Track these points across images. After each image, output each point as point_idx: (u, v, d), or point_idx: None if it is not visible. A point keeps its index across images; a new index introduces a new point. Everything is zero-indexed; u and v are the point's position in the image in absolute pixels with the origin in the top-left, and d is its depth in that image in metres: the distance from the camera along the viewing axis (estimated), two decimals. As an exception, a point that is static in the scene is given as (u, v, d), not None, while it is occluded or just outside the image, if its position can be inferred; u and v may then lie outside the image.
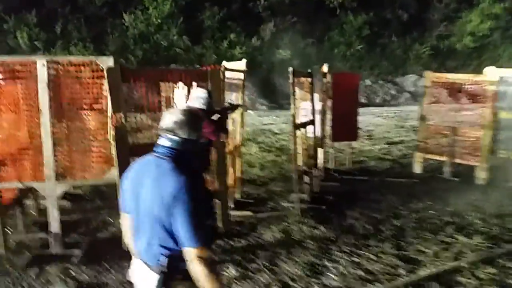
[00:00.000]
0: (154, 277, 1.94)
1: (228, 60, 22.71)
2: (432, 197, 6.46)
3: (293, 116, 5.61)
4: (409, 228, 5.23)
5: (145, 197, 1.94)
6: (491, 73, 7.15)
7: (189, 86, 5.03)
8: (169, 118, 1.97)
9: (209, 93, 4.26)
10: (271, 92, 21.67)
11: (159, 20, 21.89)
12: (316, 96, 7.16)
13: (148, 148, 4.90)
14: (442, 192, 6.71)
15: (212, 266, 1.88)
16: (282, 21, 24.07)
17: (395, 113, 17.90)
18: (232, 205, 5.86)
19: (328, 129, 7.49)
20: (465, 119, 7.39)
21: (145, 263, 2.00)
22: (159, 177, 1.90)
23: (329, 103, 7.39)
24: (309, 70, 6.61)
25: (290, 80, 5.53)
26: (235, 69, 5.88)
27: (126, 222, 2.18)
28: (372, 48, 24.49)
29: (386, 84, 23.77)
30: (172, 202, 1.84)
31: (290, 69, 5.55)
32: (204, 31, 22.57)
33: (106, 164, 4.54)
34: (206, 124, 3.71)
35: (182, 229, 1.84)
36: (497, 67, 8.07)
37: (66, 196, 6.23)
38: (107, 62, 4.38)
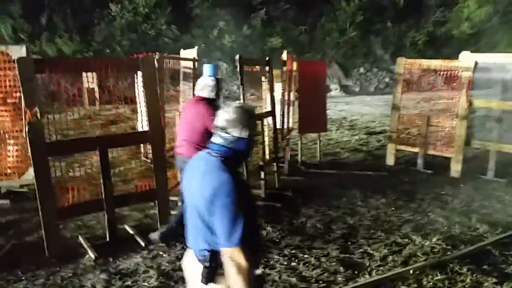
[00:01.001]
0: (199, 269, 1.99)
1: (217, 49, 22.29)
2: (398, 191, 6.05)
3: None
4: (363, 227, 4.83)
5: (193, 192, 1.97)
6: (466, 58, 6.68)
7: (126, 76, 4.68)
8: (223, 115, 1.96)
9: (218, 81, 4.03)
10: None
11: (146, 10, 21.42)
12: (279, 85, 6.75)
13: (70, 145, 4.61)
14: (410, 186, 6.31)
15: (242, 270, 1.81)
16: (274, 8, 23.50)
17: (386, 101, 17.37)
18: (179, 203, 5.52)
19: (294, 120, 7.08)
20: (439, 107, 6.95)
21: (194, 254, 2.06)
22: (205, 173, 1.92)
23: (292, 92, 6.99)
24: (267, 58, 6.17)
25: (238, 69, 5.11)
26: (177, 56, 5.45)
27: None
28: (366, 35, 23.87)
29: (381, 72, 23.19)
30: (211, 198, 1.83)
31: (237, 56, 5.12)
32: (193, 19, 22.08)
33: (24, 164, 4.18)
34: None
35: (217, 227, 1.85)
36: (496, 53, 7.63)
37: (8, 194, 5.94)
38: (18, 51, 4.00)
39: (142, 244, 4.46)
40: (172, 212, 4.83)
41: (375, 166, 7.41)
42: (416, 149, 7.18)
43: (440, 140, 6.89)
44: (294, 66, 7.03)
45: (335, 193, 6.01)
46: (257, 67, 6.06)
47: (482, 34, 24.13)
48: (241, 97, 5.18)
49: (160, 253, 4.25)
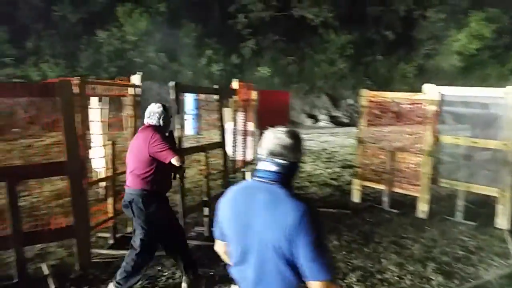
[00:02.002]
0: None
1: (206, 77, 22.11)
2: (356, 232, 5.56)
3: (179, 137, 4.76)
4: (304, 275, 4.32)
5: (258, 226, 1.81)
6: (431, 91, 6.31)
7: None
8: (274, 141, 1.87)
9: (165, 107, 3.83)
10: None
11: (135, 37, 21.37)
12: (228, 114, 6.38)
13: None
14: (370, 227, 5.81)
15: None
16: (263, 39, 23.54)
17: (382, 133, 17.04)
18: (111, 241, 5.04)
19: (250, 151, 6.66)
20: (404, 143, 6.53)
21: None
22: (276, 204, 1.79)
23: (251, 123, 6.62)
24: (215, 86, 5.80)
25: (172, 96, 4.70)
26: (106, 82, 5.00)
27: (222, 249, 2.11)
28: (356, 67, 23.80)
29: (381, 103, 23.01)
30: (295, 231, 1.71)
31: (172, 83, 4.73)
32: (181, 47, 22.01)
33: None
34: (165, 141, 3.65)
35: (308, 261, 1.72)
36: (486, 86, 7.28)
37: None
38: None
39: (52, 287, 3.97)
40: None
41: (340, 203, 6.93)
42: (381, 186, 6.72)
43: (405, 178, 6.45)
44: (253, 95, 6.68)
45: (287, 233, 5.50)
46: (202, 96, 5.66)
47: (472, 68, 24.10)
48: (178, 127, 4.75)
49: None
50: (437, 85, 6.36)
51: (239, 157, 6.33)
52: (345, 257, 4.77)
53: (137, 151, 3.70)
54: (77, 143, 4.15)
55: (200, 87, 5.64)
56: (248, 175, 6.64)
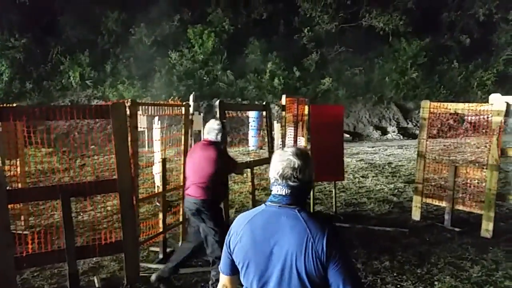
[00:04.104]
0: None
1: (269, 92, 22.28)
2: (411, 252, 5.25)
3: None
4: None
5: (283, 252, 1.77)
6: (497, 101, 5.85)
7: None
8: (284, 164, 1.84)
9: (223, 124, 4.23)
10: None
11: (204, 57, 22.20)
12: (290, 130, 6.37)
13: (31, 193, 4.54)
14: (428, 246, 5.46)
15: None
16: (329, 51, 23.31)
17: (445, 146, 16.07)
18: (160, 256, 5.23)
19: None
20: (468, 156, 6.10)
21: None
22: (301, 229, 1.76)
23: (303, 138, 6.56)
24: (264, 103, 5.85)
25: (218, 115, 4.83)
26: (157, 103, 5.24)
27: (226, 284, 2.02)
28: (429, 76, 22.68)
29: (444, 114, 21.70)
30: (328, 252, 1.71)
31: (217, 102, 4.86)
32: (247, 65, 22.48)
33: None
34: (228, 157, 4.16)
35: (345, 280, 1.72)
36: None
37: None
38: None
39: (101, 300, 4.21)
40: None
41: (398, 221, 6.61)
42: (442, 203, 6.30)
43: (469, 194, 5.99)
44: (305, 110, 6.64)
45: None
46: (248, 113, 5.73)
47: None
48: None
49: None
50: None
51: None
52: (395, 279, 4.52)
53: (200, 165, 4.08)
54: (128, 161, 4.40)
55: (246, 104, 5.70)
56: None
